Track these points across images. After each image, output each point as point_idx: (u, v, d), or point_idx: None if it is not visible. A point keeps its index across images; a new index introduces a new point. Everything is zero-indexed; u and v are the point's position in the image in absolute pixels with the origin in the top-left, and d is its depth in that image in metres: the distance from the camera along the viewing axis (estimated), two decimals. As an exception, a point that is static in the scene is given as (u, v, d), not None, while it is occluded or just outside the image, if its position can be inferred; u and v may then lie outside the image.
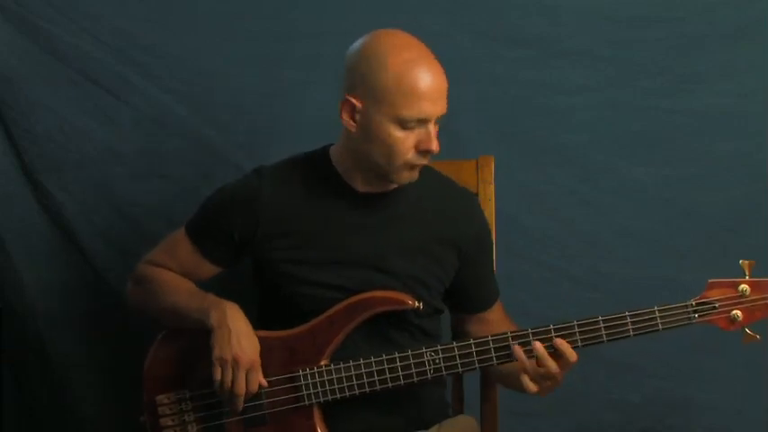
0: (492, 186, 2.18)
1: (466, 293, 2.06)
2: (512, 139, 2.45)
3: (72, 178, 2.46)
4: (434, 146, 1.88)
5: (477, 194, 2.14)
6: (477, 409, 2.17)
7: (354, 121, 1.89)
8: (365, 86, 1.87)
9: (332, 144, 2.00)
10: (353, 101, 1.88)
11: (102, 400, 2.50)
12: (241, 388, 1.88)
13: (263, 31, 2.45)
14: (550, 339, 1.87)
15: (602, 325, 1.87)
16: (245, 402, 1.91)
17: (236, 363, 1.88)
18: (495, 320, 2.07)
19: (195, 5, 2.46)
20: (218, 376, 1.88)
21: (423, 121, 1.87)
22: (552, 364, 1.85)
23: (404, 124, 1.86)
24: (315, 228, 1.96)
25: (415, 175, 1.93)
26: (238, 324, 1.90)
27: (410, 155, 1.89)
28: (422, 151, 1.89)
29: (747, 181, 2.46)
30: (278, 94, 2.46)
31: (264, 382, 1.91)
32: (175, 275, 2.03)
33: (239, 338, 1.88)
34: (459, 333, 2.10)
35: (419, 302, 1.93)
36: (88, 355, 2.50)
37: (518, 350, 1.86)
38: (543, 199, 2.49)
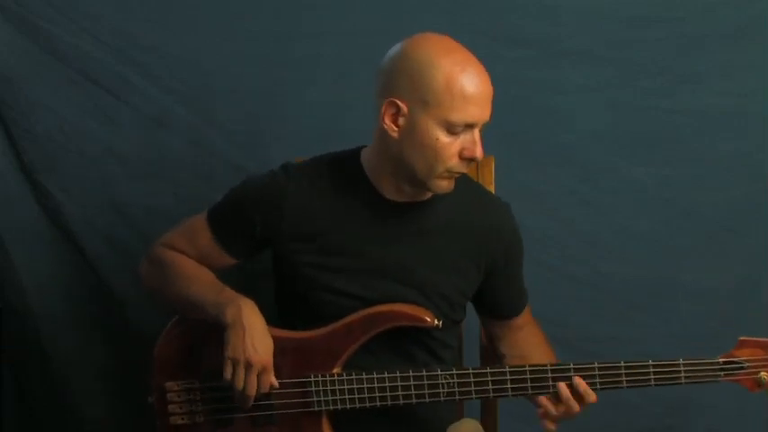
0: (492, 186, 2.18)
1: (493, 301, 2.04)
2: (512, 139, 2.44)
3: (72, 178, 2.46)
4: (479, 152, 1.83)
5: (509, 204, 2.07)
6: (478, 410, 2.17)
7: (397, 124, 1.85)
8: (412, 88, 1.81)
9: (364, 146, 1.95)
10: (399, 103, 1.83)
11: (102, 399, 2.50)
12: (252, 389, 1.87)
13: (263, 31, 2.44)
14: (569, 378, 1.86)
15: (623, 371, 1.85)
16: (254, 401, 1.90)
17: (248, 364, 1.85)
18: (521, 326, 2.06)
19: (195, 5, 2.46)
20: (228, 375, 1.87)
21: (470, 126, 1.83)
22: (574, 405, 1.86)
23: (451, 129, 1.82)
24: (339, 234, 1.93)
25: (452, 185, 1.88)
26: (253, 323, 1.87)
27: (453, 161, 1.84)
28: (465, 158, 1.84)
29: (747, 181, 2.46)
30: (278, 94, 2.46)
31: (276, 383, 1.89)
32: (193, 263, 1.99)
33: (253, 339, 1.86)
34: (487, 335, 2.10)
35: (439, 321, 1.90)
36: (88, 355, 2.50)
37: (563, 387, 1.85)
38: (543, 199, 2.49)
